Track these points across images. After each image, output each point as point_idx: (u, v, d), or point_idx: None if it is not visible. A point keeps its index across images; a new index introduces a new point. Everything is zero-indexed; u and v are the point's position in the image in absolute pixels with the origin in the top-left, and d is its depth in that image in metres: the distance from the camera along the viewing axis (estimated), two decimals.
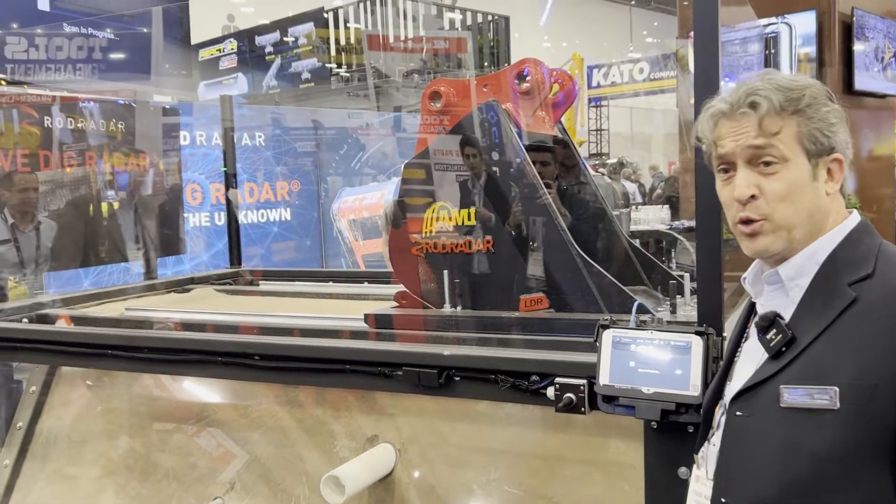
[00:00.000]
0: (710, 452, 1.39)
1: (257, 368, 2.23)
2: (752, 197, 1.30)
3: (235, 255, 4.11)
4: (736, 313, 1.74)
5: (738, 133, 1.31)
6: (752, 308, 1.43)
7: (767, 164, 1.29)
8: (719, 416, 1.38)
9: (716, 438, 1.38)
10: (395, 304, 2.51)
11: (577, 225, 2.58)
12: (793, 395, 1.23)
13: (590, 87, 19.26)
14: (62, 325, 2.90)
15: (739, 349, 1.42)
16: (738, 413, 1.30)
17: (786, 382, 1.24)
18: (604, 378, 1.59)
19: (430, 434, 2.19)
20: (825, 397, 1.19)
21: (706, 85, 1.65)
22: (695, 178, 1.66)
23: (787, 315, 1.29)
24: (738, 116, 1.31)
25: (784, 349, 1.27)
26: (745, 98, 1.30)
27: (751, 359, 1.35)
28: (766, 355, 1.30)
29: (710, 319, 1.62)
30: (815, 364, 1.23)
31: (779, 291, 1.34)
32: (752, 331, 1.38)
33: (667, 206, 7.70)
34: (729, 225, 1.38)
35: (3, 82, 6.11)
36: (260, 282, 3.84)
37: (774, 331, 1.28)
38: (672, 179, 11.17)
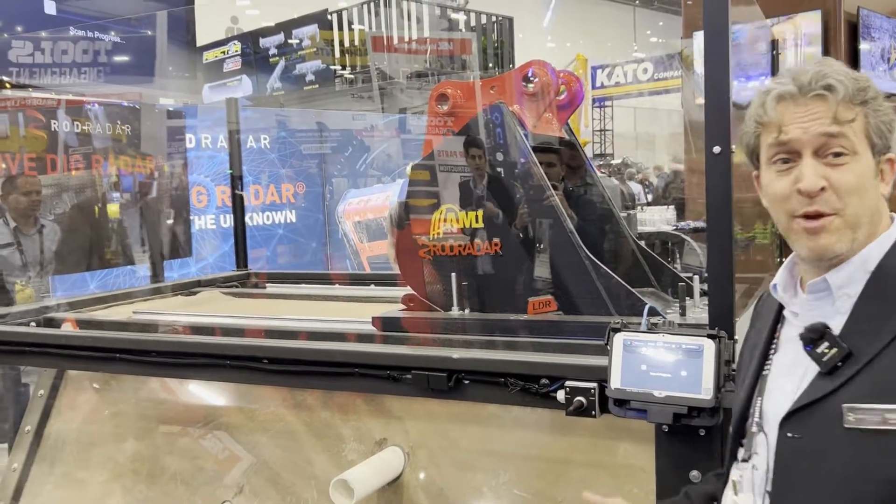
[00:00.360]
0: (754, 477, 1.26)
1: (266, 372, 2.22)
2: (822, 189, 1.17)
3: (242, 258, 4.11)
4: (745, 315, 1.73)
5: (808, 119, 1.18)
6: (778, 316, 1.32)
7: (837, 154, 1.17)
8: (756, 436, 1.26)
9: (758, 461, 1.25)
10: (403, 306, 2.51)
11: (585, 227, 2.57)
12: (860, 416, 1.10)
13: (594, 87, 19.24)
14: (69, 329, 2.90)
15: (768, 361, 1.30)
16: (790, 435, 1.18)
17: (848, 401, 1.12)
18: (615, 382, 1.58)
19: (439, 437, 2.19)
20: None
21: (716, 85, 1.63)
22: (706, 178, 1.64)
23: (834, 326, 1.18)
24: (808, 100, 1.18)
25: (840, 364, 1.15)
26: (817, 80, 1.18)
27: (790, 373, 1.23)
28: (811, 370, 1.19)
29: (721, 322, 1.61)
30: (882, 381, 1.11)
31: (823, 301, 1.22)
32: (785, 342, 1.28)
33: (672, 207, 7.68)
34: (779, 222, 1.25)
35: (8, 85, 6.13)
36: (266, 284, 3.84)
37: (826, 344, 1.16)
38: (676, 180, 11.14)
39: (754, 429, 1.26)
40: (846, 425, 1.11)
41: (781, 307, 1.32)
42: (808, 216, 1.19)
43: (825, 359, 1.16)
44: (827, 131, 1.17)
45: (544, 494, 2.05)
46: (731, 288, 1.61)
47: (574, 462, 2.03)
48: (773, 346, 1.31)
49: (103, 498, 2.71)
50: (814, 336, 1.18)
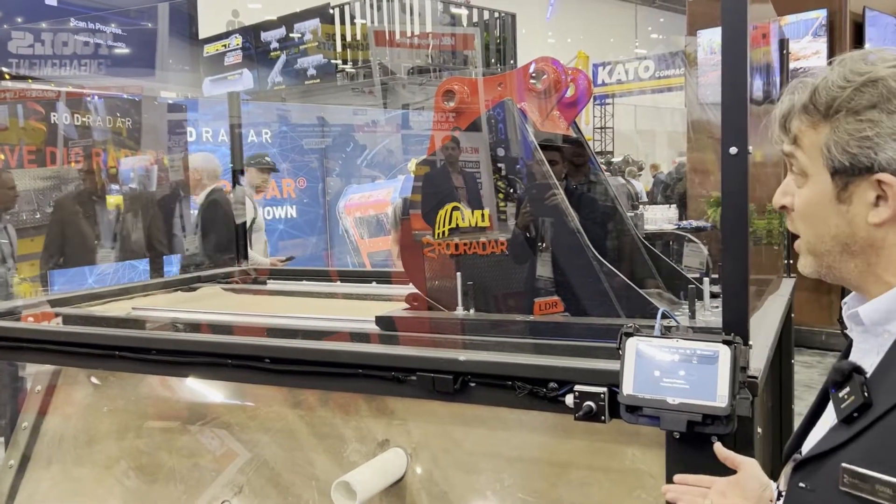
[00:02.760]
0: None
1: (268, 372, 2.19)
2: (784, 207, 1.12)
3: (242, 254, 4.07)
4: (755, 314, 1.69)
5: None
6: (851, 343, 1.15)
7: (797, 175, 1.10)
8: (785, 479, 1.13)
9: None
10: (406, 305, 2.47)
11: (591, 227, 2.54)
12: (854, 480, 0.94)
13: (595, 84, 19.23)
14: (63, 325, 2.86)
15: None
16: (801, 485, 1.04)
17: (850, 460, 0.96)
18: (627, 387, 1.54)
19: (442, 438, 2.15)
20: (887, 491, 0.90)
21: (734, 84, 1.59)
22: (722, 180, 1.60)
23: (870, 367, 1.02)
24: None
25: (856, 414, 0.98)
26: (789, 87, 1.11)
27: (829, 418, 1.08)
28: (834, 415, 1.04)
29: (736, 327, 1.57)
30: (887, 442, 0.94)
31: (868, 334, 1.05)
32: None
33: (674, 206, 7.66)
34: None
35: (7, 76, 6.08)
36: (267, 281, 3.80)
37: (848, 389, 0.99)
38: (673, 178, 11.11)
39: (789, 465, 1.13)
40: (841, 487, 0.96)
41: None
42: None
43: (843, 406, 1.00)
44: (783, 149, 1.11)
45: (548, 498, 2.02)
46: (747, 293, 1.58)
47: (580, 466, 2.00)
48: None
49: (101, 495, 2.68)
50: (839, 378, 1.02)
